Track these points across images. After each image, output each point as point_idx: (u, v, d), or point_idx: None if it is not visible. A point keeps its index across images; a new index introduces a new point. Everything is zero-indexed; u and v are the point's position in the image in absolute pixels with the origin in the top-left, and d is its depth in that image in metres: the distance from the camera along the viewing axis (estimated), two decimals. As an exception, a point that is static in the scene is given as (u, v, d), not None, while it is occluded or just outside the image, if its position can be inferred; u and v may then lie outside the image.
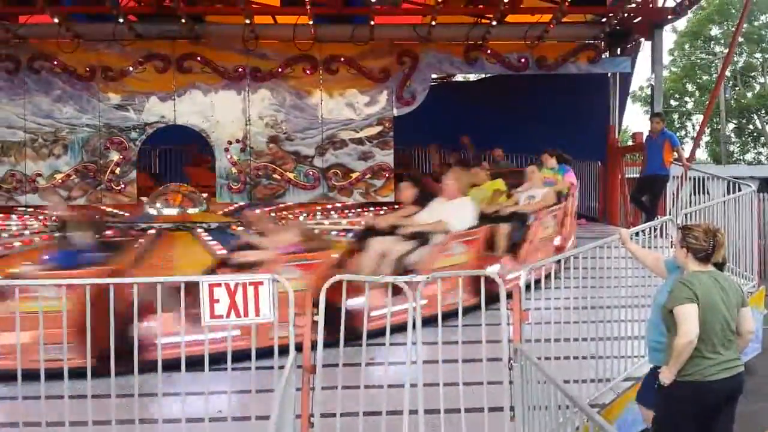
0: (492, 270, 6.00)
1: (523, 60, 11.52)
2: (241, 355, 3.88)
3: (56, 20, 10.43)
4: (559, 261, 4.88)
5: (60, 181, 11.21)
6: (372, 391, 4.02)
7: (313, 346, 3.86)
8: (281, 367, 3.57)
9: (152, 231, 8.48)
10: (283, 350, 3.72)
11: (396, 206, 10.23)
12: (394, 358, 4.20)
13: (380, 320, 4.37)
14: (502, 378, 3.92)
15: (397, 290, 4.17)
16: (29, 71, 11.10)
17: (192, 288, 3.82)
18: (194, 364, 3.86)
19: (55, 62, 11.11)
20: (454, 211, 6.73)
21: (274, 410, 2.81)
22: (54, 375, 3.75)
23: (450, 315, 4.19)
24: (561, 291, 4.81)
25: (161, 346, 3.89)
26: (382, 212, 10.20)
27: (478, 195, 7.80)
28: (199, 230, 8.63)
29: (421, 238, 6.31)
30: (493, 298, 4.16)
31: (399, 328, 4.16)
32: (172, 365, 3.91)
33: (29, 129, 11.14)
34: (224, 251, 7.01)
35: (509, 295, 4.06)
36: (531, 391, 3.70)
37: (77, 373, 3.87)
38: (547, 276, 4.91)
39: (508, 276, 4.44)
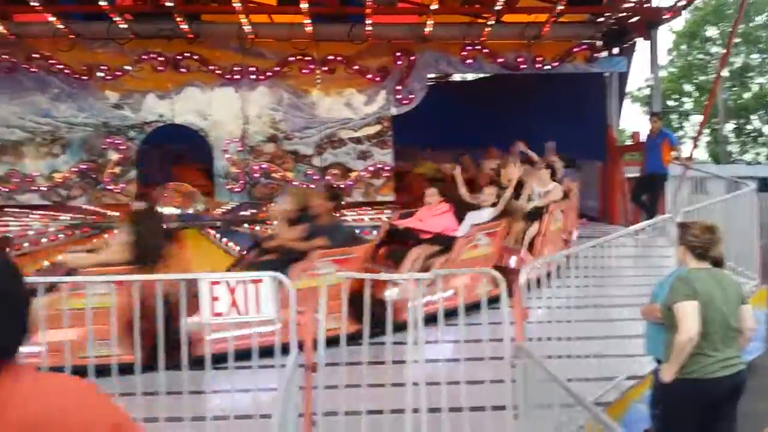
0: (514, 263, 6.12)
1: (520, 59, 11.51)
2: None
3: (53, 19, 10.38)
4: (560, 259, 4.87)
5: (59, 180, 11.16)
6: (374, 389, 3.99)
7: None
8: (283, 366, 3.56)
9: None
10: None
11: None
12: (397, 356, 4.17)
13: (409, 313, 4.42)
14: (504, 377, 3.90)
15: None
16: (26, 70, 11.04)
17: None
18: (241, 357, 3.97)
19: (52, 61, 11.06)
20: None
21: (277, 409, 2.79)
22: (103, 371, 3.83)
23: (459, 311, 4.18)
24: (563, 290, 4.80)
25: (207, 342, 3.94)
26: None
27: None
28: (209, 230, 8.65)
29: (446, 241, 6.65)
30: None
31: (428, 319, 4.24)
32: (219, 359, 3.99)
33: (27, 128, 11.06)
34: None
35: (511, 293, 4.05)
36: (534, 390, 3.68)
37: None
38: (548, 274, 4.89)
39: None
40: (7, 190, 11.08)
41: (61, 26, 10.61)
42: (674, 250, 4.22)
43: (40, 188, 11.15)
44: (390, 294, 4.23)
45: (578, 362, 4.64)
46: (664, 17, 11.22)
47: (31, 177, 11.11)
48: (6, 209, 10.63)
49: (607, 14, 11.21)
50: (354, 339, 4.18)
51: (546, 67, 11.57)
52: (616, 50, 12.08)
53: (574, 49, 11.54)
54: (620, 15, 11.15)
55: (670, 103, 38.39)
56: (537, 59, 11.52)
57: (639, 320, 4.95)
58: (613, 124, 12.47)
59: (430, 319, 4.20)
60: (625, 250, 5.42)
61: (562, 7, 10.31)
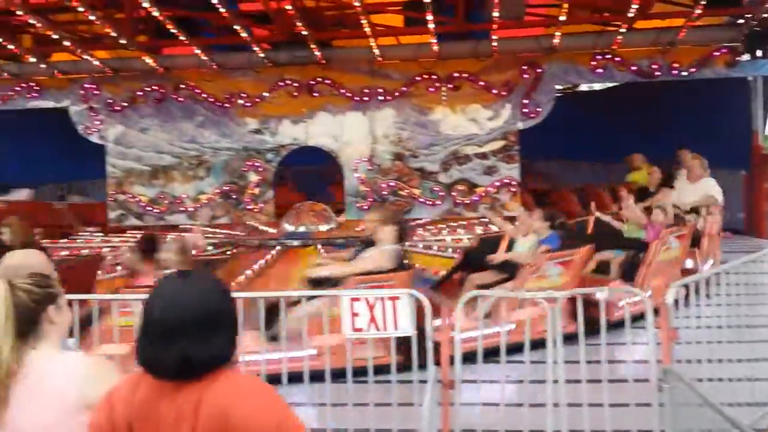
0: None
1: (654, 66, 11.09)
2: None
3: (198, 51, 11.22)
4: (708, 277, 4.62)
5: (205, 201, 12.00)
6: (512, 408, 3.97)
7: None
8: (422, 381, 3.64)
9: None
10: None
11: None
12: (535, 376, 4.14)
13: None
14: (650, 400, 3.76)
15: None
16: (175, 100, 12.00)
17: None
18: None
19: (197, 90, 11.95)
20: None
21: (422, 425, 2.86)
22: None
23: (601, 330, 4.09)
24: (712, 308, 4.55)
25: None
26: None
27: None
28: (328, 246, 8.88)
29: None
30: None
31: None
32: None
33: (176, 153, 12.03)
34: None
35: (656, 312, 3.91)
36: (683, 415, 3.52)
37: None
38: (697, 291, 4.65)
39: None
40: (157, 211, 12.04)
41: (205, 58, 11.43)
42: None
43: (188, 209, 12.03)
44: (602, 295, 4.26)
45: (729, 386, 4.38)
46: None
47: (179, 199, 12.02)
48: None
49: (748, 16, 10.55)
50: (570, 339, 4.17)
51: (683, 73, 11.07)
52: (759, 53, 11.31)
53: (714, 54, 10.97)
54: (763, 16, 10.45)
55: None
56: (673, 65, 11.08)
57: (798, 343, 4.64)
58: (759, 130, 11.68)
59: (572, 337, 4.12)
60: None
61: (700, 11, 9.82)
